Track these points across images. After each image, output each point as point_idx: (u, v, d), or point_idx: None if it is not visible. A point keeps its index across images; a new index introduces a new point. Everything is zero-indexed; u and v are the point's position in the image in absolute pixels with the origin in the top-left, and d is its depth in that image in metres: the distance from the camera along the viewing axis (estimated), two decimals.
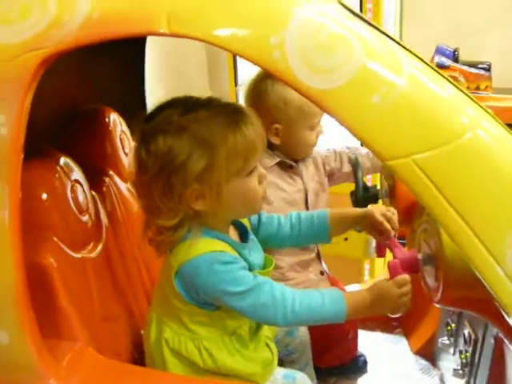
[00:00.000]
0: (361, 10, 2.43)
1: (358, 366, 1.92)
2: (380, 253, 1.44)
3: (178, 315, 1.18)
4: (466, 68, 4.56)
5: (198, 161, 1.07)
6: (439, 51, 4.60)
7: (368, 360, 1.95)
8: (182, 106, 1.11)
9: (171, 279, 1.15)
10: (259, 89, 1.66)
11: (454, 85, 0.98)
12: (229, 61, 3.04)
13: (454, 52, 4.59)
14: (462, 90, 0.99)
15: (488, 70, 4.55)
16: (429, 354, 1.94)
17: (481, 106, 1.01)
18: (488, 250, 0.96)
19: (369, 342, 2.05)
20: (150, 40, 1.76)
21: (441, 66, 4.61)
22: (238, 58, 3.15)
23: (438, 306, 1.35)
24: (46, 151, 1.28)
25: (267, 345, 1.30)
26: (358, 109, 0.91)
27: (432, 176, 0.93)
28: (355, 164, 1.74)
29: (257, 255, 1.25)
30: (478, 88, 4.53)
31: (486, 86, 4.54)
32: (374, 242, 2.85)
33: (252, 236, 1.28)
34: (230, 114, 1.11)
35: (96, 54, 1.35)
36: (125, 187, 1.62)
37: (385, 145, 0.93)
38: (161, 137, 1.08)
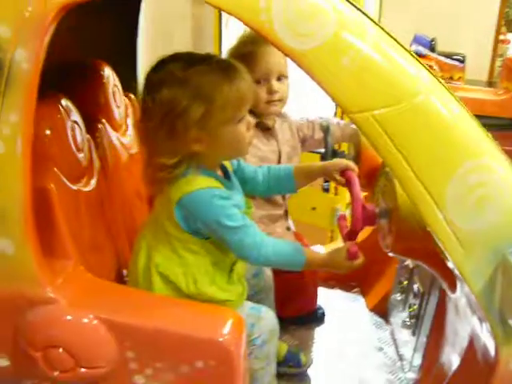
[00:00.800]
0: None
1: (316, 317, 2.11)
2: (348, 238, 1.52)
3: (171, 243, 1.35)
4: (441, 58, 4.78)
5: (197, 108, 1.24)
6: (417, 40, 4.80)
7: (326, 313, 2.14)
8: (185, 61, 1.28)
9: (171, 210, 1.32)
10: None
11: (413, 56, 1.15)
12: (214, 35, 3.16)
13: (431, 42, 4.79)
14: (419, 62, 1.16)
15: (462, 61, 4.77)
16: (383, 310, 2.13)
17: (435, 76, 1.17)
18: (431, 197, 1.14)
19: (328, 299, 2.24)
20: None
21: (418, 55, 4.80)
22: (222, 31, 3.27)
23: (390, 254, 1.53)
24: (50, 94, 1.41)
25: (239, 280, 1.47)
26: (329, 68, 1.08)
27: (387, 129, 1.10)
28: (326, 130, 1.91)
29: (239, 196, 1.43)
30: (451, 78, 4.76)
31: (459, 77, 4.77)
32: (339, 212, 3.04)
33: (234, 178, 1.45)
34: (225, 69, 1.28)
35: (94, 12, 1.48)
36: (115, 136, 1.76)
37: (350, 100, 1.10)
38: (165, 87, 1.25)
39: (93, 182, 1.50)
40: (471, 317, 1.32)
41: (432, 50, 4.80)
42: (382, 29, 1.15)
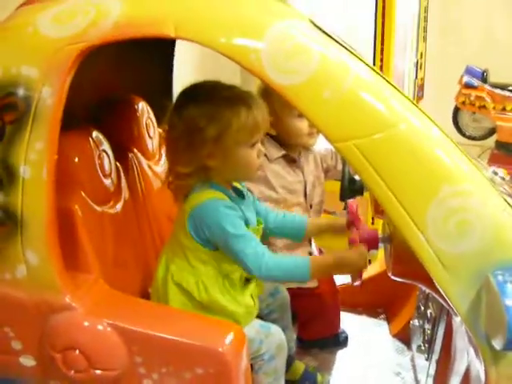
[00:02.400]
0: (375, 26, 2.67)
1: (339, 340, 2.17)
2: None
3: (184, 252, 1.49)
4: (493, 89, 4.75)
5: (214, 128, 1.44)
6: (468, 71, 4.80)
7: (349, 338, 2.20)
8: (211, 86, 1.50)
9: (184, 221, 1.48)
10: (257, 89, 1.99)
11: (393, 86, 1.25)
12: None
13: (482, 73, 4.78)
14: (400, 92, 1.25)
15: None
16: (405, 337, 2.17)
17: (416, 106, 1.26)
18: (412, 220, 1.22)
19: (354, 324, 2.30)
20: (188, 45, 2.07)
21: (469, 86, 4.81)
22: None
23: (393, 278, 1.60)
24: (82, 126, 1.59)
25: (252, 297, 1.58)
26: (312, 101, 1.19)
27: (368, 157, 1.20)
28: (344, 160, 2.00)
29: (251, 214, 1.57)
30: (504, 109, 4.71)
31: None
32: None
33: (250, 199, 1.61)
34: (245, 98, 1.48)
35: (131, 49, 1.66)
36: (146, 164, 1.93)
37: (332, 130, 1.21)
38: (190, 106, 1.46)
39: (119, 205, 1.66)
40: (469, 341, 1.37)
41: (484, 81, 4.79)
42: (364, 62, 1.26)
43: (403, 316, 2.25)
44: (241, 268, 1.50)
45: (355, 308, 2.38)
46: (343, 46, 1.26)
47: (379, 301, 2.37)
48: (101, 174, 1.57)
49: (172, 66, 2.17)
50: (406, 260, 1.51)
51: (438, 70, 4.26)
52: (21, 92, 1.26)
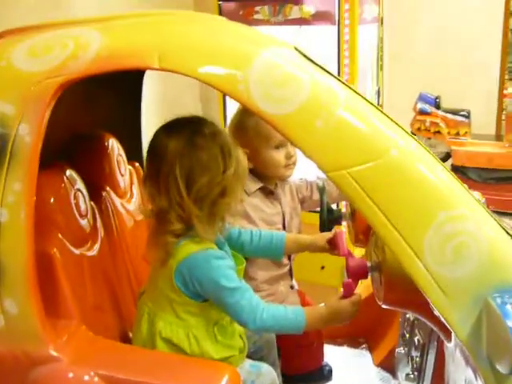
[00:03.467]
0: (338, 58, 2.71)
1: (323, 374, 2.12)
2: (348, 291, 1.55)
3: (173, 307, 1.41)
4: (447, 115, 4.88)
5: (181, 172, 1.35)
6: (422, 98, 4.92)
7: (333, 370, 2.15)
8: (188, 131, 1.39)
9: (171, 275, 1.38)
10: (231, 121, 1.94)
11: (384, 114, 1.24)
12: (219, 102, 3.30)
13: (435, 99, 4.91)
14: (390, 118, 1.24)
15: (467, 117, 4.86)
16: (389, 365, 2.14)
17: (405, 131, 1.25)
18: (410, 247, 1.19)
19: (336, 356, 2.25)
20: (148, 75, 2.03)
21: (423, 113, 4.93)
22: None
23: (384, 306, 1.57)
24: (55, 164, 1.52)
25: (240, 337, 1.52)
26: (304, 130, 1.17)
27: (363, 185, 1.17)
28: (322, 189, 1.98)
29: (230, 257, 1.49)
30: (457, 134, 4.84)
31: (465, 132, 4.85)
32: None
33: (221, 239, 1.52)
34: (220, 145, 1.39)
35: (98, 86, 1.61)
36: (119, 202, 1.86)
37: (326, 160, 1.18)
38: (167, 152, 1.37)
39: (96, 246, 1.58)
40: (465, 366, 1.34)
41: (437, 107, 4.91)
42: (354, 90, 1.24)
43: (386, 344, 2.23)
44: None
45: (335, 339, 2.33)
46: (329, 73, 1.24)
47: (360, 330, 2.33)
48: (77, 215, 1.50)
49: (140, 101, 2.13)
50: (397, 288, 1.50)
51: (392, 97, 4.35)
52: None
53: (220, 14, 2.95)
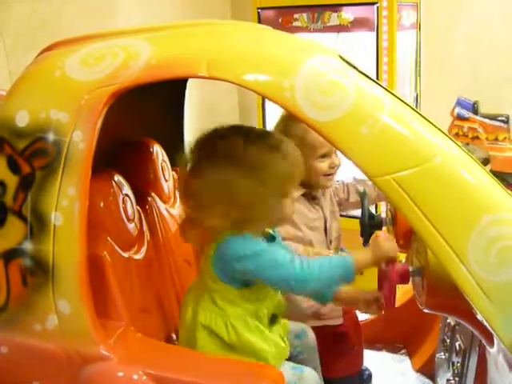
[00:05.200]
0: (377, 64, 2.72)
1: (363, 378, 2.12)
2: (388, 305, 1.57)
3: (211, 295, 1.44)
4: (485, 120, 4.81)
5: (244, 180, 1.37)
6: (459, 103, 4.86)
7: (372, 375, 2.15)
8: (243, 135, 1.41)
9: (209, 263, 1.42)
10: (275, 129, 1.96)
11: (427, 120, 1.25)
12: (258, 109, 3.34)
13: (473, 104, 4.85)
14: (433, 125, 1.25)
15: (506, 122, 4.78)
16: (429, 371, 2.13)
17: (447, 136, 1.26)
18: (454, 251, 1.20)
19: (375, 361, 2.25)
20: (189, 84, 2.08)
21: (461, 118, 4.87)
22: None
23: (426, 311, 1.57)
24: (104, 170, 1.57)
25: (281, 338, 1.54)
26: (350, 137, 1.19)
27: (407, 190, 1.19)
28: (363, 194, 2.00)
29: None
30: (496, 139, 4.76)
31: (505, 138, 4.76)
32: None
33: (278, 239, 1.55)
34: (274, 146, 1.39)
35: (142, 93, 1.65)
36: (164, 207, 1.90)
37: (371, 165, 1.19)
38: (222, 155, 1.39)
39: (143, 250, 1.63)
40: (509, 371, 1.34)
41: (475, 112, 4.85)
42: (397, 97, 1.26)
43: (425, 350, 2.22)
44: (270, 304, 1.46)
45: (374, 344, 2.34)
46: (373, 80, 1.26)
47: (398, 336, 2.33)
48: (125, 219, 1.54)
49: (183, 108, 2.17)
50: (440, 293, 1.50)
51: (430, 103, 4.32)
52: (51, 137, 1.24)
53: (259, 21, 2.99)
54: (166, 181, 1.97)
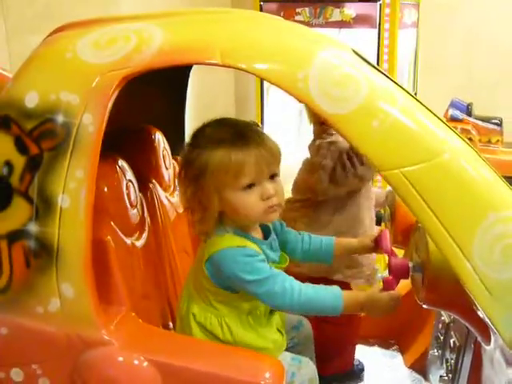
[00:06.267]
0: (378, 62, 2.73)
1: (355, 373, 2.14)
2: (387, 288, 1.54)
3: (206, 295, 1.44)
4: (478, 122, 4.85)
5: (194, 170, 1.37)
6: (453, 105, 4.90)
7: (365, 370, 2.17)
8: (211, 127, 1.41)
9: (203, 265, 1.42)
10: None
11: (437, 117, 1.26)
12: (257, 101, 3.33)
13: (467, 106, 4.88)
14: (443, 122, 1.26)
15: (499, 125, 4.83)
16: (421, 368, 2.14)
17: (458, 135, 1.27)
18: (459, 248, 1.21)
19: (367, 356, 2.26)
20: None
21: (455, 119, 4.90)
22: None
23: (425, 307, 1.58)
24: (108, 155, 1.56)
25: (279, 330, 1.54)
26: (361, 130, 1.19)
27: (416, 185, 1.19)
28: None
29: (274, 253, 1.51)
30: (489, 141, 4.81)
31: (497, 140, 4.81)
32: (378, 274, 3.10)
33: (273, 236, 1.55)
34: (232, 138, 1.36)
35: (146, 82, 1.64)
36: (164, 195, 1.90)
37: (381, 159, 1.20)
38: (190, 150, 1.41)
39: (144, 236, 1.62)
40: (506, 369, 1.35)
41: (469, 114, 4.89)
42: (409, 93, 1.26)
43: (418, 346, 2.23)
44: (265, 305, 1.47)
45: (366, 339, 2.35)
46: (385, 75, 1.27)
47: (390, 332, 2.35)
48: (128, 205, 1.54)
49: (184, 97, 2.16)
50: (440, 289, 1.51)
51: (424, 103, 4.35)
52: (60, 118, 1.23)
53: None
54: (167, 169, 1.96)
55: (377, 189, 2.22)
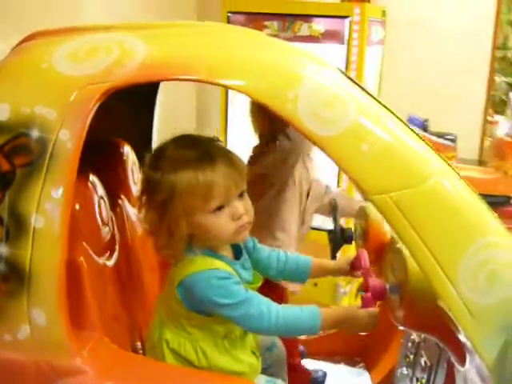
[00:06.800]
0: None
1: (318, 381, 2.13)
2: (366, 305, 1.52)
3: (178, 320, 1.38)
4: (434, 138, 4.96)
5: (160, 194, 1.29)
6: (411, 121, 4.98)
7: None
8: (172, 147, 1.33)
9: (174, 289, 1.36)
10: None
11: (423, 140, 1.25)
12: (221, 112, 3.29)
13: (423, 122, 4.98)
14: (429, 146, 1.26)
15: (453, 141, 4.94)
16: None
17: (440, 156, 1.27)
18: (444, 273, 1.21)
19: (334, 373, 2.25)
20: None
21: None
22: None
23: (401, 328, 1.58)
24: (79, 169, 1.49)
25: (253, 353, 1.50)
26: (350, 153, 1.17)
27: (403, 209, 1.18)
28: (334, 208, 2.00)
29: (247, 272, 1.47)
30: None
31: (452, 156, 4.92)
32: (341, 289, 3.10)
33: (245, 256, 1.50)
34: (196, 157, 1.29)
35: (116, 96, 1.59)
36: (132, 211, 1.83)
37: (368, 183, 1.18)
38: (152, 171, 1.32)
39: (114, 255, 1.56)
40: None
41: (425, 130, 4.98)
42: (393, 113, 1.26)
43: (384, 364, 2.24)
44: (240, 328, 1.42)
45: (332, 357, 2.34)
46: (371, 96, 1.25)
47: (356, 349, 2.34)
48: (100, 223, 1.47)
49: (153, 108, 2.10)
50: (418, 309, 1.51)
51: None
52: (34, 133, 1.16)
53: None
54: (135, 184, 1.90)
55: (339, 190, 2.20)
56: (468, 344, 1.28)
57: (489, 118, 5.08)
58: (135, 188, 1.89)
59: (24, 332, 1.19)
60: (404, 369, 2.02)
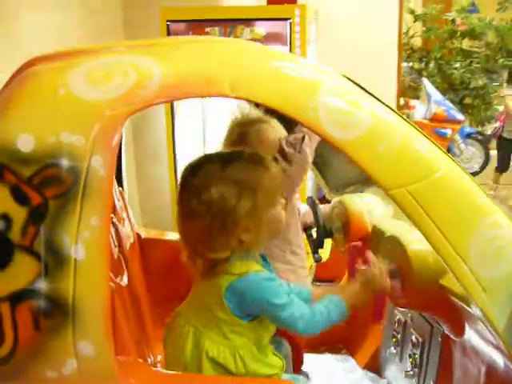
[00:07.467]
0: None
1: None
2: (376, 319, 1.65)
3: (220, 326, 1.41)
4: None
5: (245, 203, 1.35)
6: None
7: (321, 376, 2.23)
8: (220, 160, 1.39)
9: (220, 295, 1.39)
10: None
11: (428, 139, 1.36)
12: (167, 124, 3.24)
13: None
14: (431, 140, 1.37)
15: None
16: (375, 366, 2.26)
17: (443, 151, 1.39)
18: (457, 252, 1.32)
19: (321, 363, 2.33)
20: None
21: None
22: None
23: (402, 309, 1.68)
24: None
25: (275, 354, 1.55)
26: (369, 154, 1.25)
27: (418, 200, 1.29)
28: (314, 204, 2.07)
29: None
30: None
31: None
32: None
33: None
34: (258, 161, 1.41)
35: None
36: (120, 228, 1.81)
37: (387, 180, 1.27)
38: (211, 188, 1.34)
39: (125, 276, 1.54)
40: (484, 353, 1.49)
41: None
42: (398, 114, 1.35)
43: (368, 347, 2.34)
44: (271, 331, 1.48)
45: (316, 348, 2.41)
46: (377, 99, 1.34)
47: (337, 337, 2.43)
48: (113, 246, 1.45)
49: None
50: (420, 292, 1.63)
51: None
52: (64, 162, 1.13)
53: (168, 34, 2.94)
54: (118, 200, 1.88)
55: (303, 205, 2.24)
56: (479, 313, 1.40)
57: (407, 103, 5.36)
58: (118, 205, 1.87)
59: (70, 366, 1.16)
60: (392, 348, 2.13)
